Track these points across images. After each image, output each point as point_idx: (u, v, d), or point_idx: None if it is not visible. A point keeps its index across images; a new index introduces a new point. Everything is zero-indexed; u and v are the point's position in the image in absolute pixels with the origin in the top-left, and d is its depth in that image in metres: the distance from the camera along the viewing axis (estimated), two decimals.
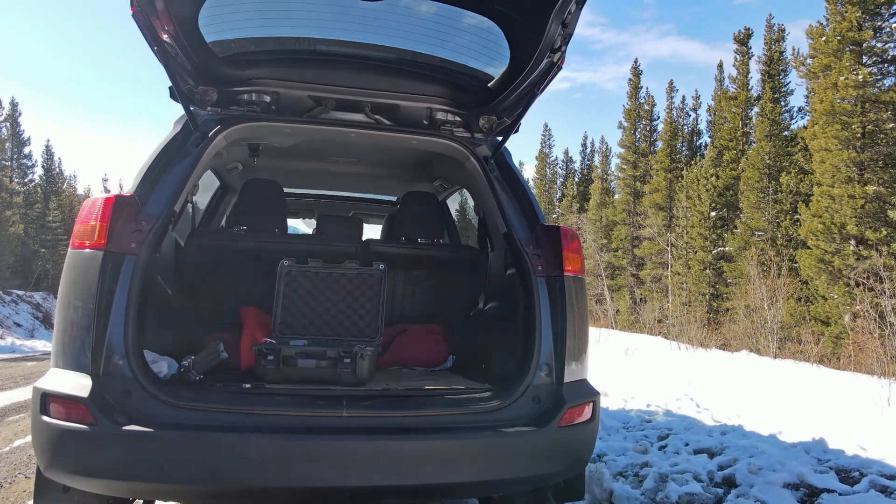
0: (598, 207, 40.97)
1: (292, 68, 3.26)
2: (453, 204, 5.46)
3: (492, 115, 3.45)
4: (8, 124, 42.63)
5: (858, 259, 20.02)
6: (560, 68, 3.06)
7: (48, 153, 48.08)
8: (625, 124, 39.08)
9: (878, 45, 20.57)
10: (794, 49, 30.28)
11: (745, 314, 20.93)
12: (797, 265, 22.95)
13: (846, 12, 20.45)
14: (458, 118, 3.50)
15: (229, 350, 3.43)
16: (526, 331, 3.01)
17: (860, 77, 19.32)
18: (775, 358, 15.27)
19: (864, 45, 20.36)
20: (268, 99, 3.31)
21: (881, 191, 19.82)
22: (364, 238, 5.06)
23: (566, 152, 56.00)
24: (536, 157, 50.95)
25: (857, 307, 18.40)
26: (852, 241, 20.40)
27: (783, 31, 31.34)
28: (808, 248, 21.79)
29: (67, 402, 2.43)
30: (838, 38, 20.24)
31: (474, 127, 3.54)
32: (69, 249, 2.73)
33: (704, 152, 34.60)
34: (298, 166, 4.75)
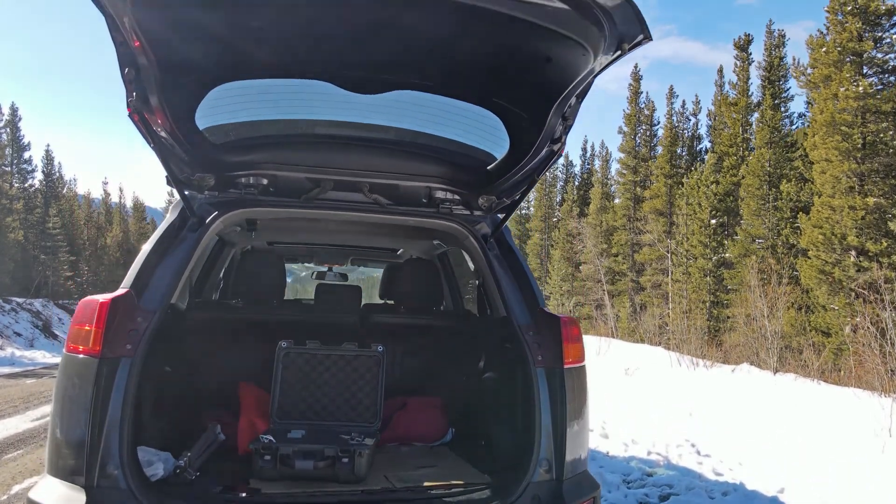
0: (598, 212, 40.93)
1: (290, 152, 3.23)
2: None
3: (491, 195, 3.43)
4: (8, 130, 42.59)
5: (859, 270, 19.98)
6: (560, 155, 3.04)
7: (48, 158, 48.10)
8: (625, 129, 39.06)
9: (879, 55, 20.52)
10: (794, 59, 30.25)
11: (745, 323, 20.87)
12: (798, 273, 22.92)
13: (846, 23, 20.40)
14: (457, 196, 3.47)
15: (227, 430, 3.41)
16: (525, 420, 2.99)
17: (860, 89, 19.27)
18: (776, 373, 15.23)
19: (865, 55, 20.31)
20: (265, 182, 3.28)
21: (882, 202, 19.78)
22: (362, 289, 5.03)
23: (566, 156, 56.03)
24: None
25: (858, 319, 18.38)
26: (853, 252, 20.37)
27: (783, 36, 31.31)
28: (809, 257, 21.75)
29: None
30: (839, 48, 20.19)
31: (473, 205, 3.52)
32: (64, 351, 2.70)
33: (705, 157, 34.58)
34: (297, 226, 4.73)
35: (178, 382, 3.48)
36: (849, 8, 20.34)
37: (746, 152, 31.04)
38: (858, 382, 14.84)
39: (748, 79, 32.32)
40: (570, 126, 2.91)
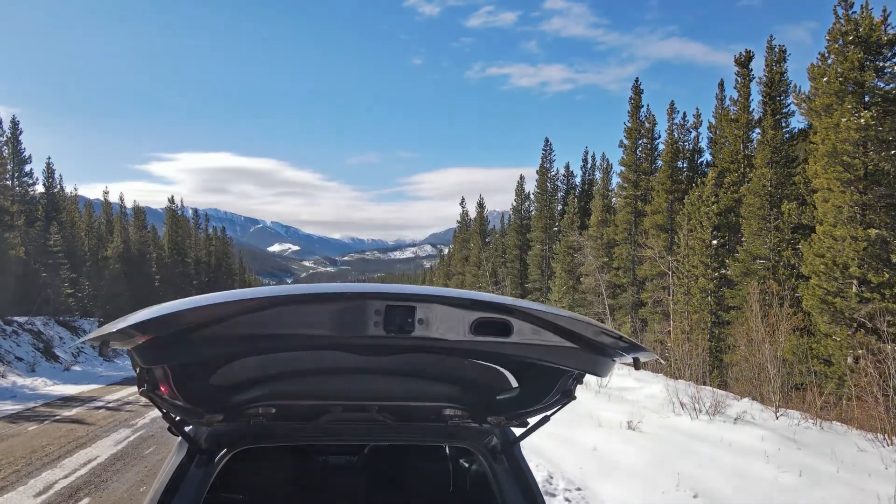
0: (599, 225, 40.93)
1: (299, 385, 3.24)
2: None
3: (500, 416, 3.43)
4: (9, 145, 42.43)
5: (861, 301, 19.99)
6: (571, 401, 3.05)
7: (49, 170, 48.00)
8: (626, 142, 39.02)
9: (881, 84, 20.48)
10: (795, 86, 30.23)
11: (746, 345, 20.87)
12: (799, 295, 22.90)
13: (847, 52, 20.36)
14: (466, 412, 3.48)
15: None
16: None
17: (862, 121, 19.25)
18: (778, 417, 15.25)
19: (867, 84, 20.27)
20: (274, 411, 3.28)
21: (883, 233, 19.78)
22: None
23: (567, 167, 56.18)
24: (537, 171, 50.98)
25: (860, 352, 18.40)
26: (854, 282, 20.38)
27: (784, 51, 31.26)
28: (809, 284, 21.74)
29: None
30: (840, 79, 20.15)
31: (482, 420, 3.52)
32: None
33: (706, 171, 34.55)
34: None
35: None
36: (850, 37, 20.29)
37: (747, 169, 31.02)
38: (860, 425, 14.89)
39: (749, 95, 32.31)
40: (582, 380, 2.92)
